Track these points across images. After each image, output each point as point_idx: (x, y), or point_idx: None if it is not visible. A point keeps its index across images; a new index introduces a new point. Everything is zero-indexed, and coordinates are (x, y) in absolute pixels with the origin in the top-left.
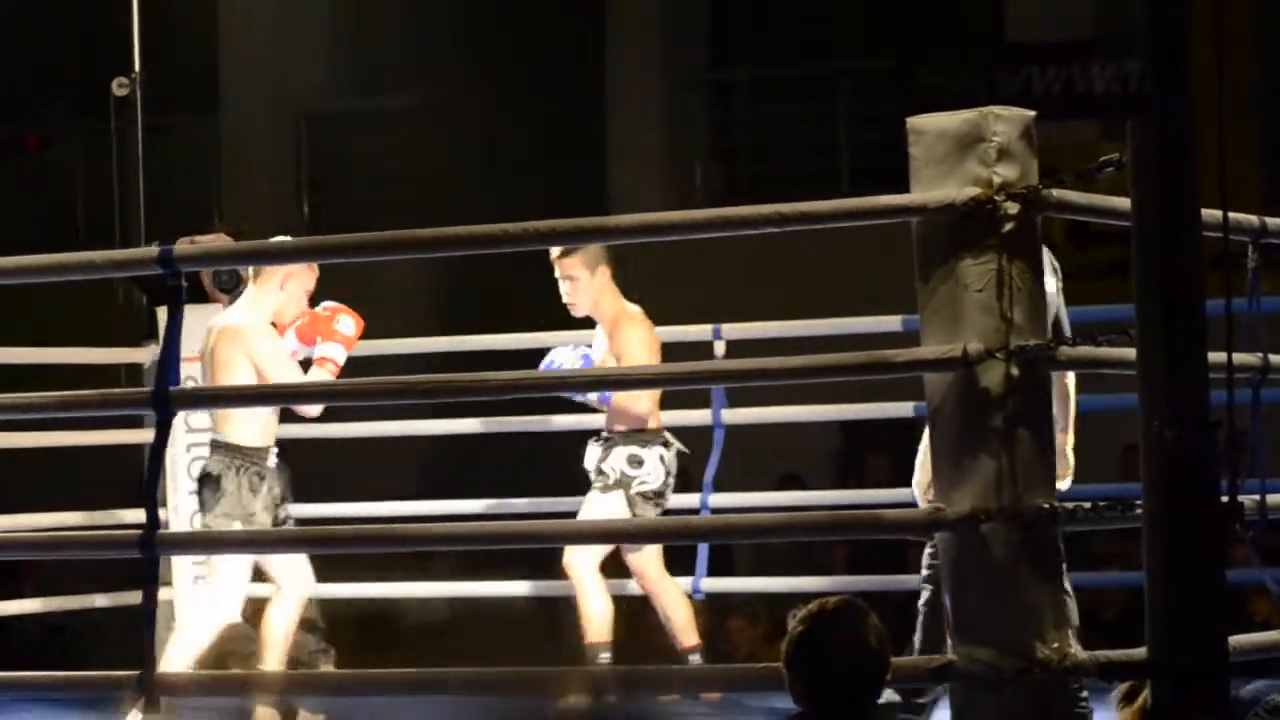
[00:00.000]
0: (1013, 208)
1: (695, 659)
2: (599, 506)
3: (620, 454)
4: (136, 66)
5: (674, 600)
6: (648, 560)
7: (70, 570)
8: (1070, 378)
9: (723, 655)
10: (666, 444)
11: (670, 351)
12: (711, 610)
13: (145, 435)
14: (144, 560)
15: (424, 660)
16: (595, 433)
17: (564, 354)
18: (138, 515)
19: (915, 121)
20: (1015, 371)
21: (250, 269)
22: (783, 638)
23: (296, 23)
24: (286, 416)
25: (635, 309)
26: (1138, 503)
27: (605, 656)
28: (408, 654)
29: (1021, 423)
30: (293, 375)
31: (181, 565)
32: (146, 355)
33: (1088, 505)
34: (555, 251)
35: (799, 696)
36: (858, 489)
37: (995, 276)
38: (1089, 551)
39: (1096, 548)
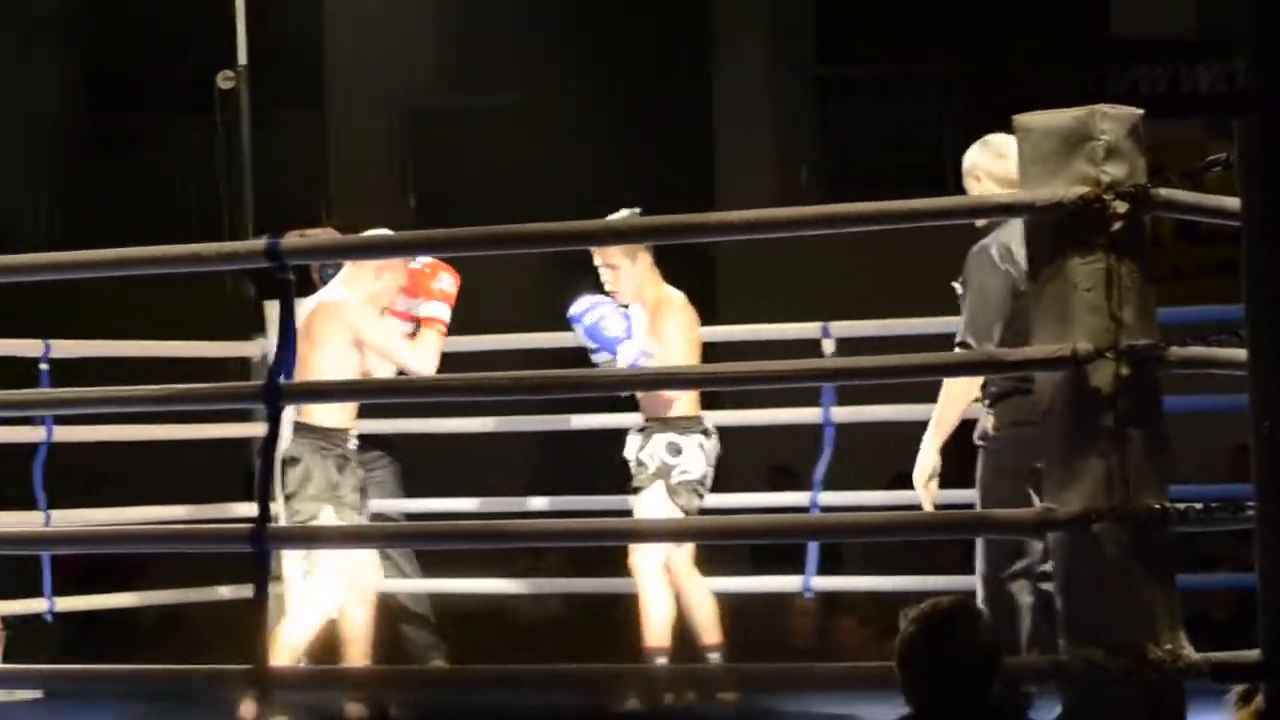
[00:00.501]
0: (1121, 206)
1: (715, 658)
2: (648, 505)
3: (659, 442)
4: (242, 60)
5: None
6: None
7: (182, 563)
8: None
9: (833, 656)
10: (706, 432)
11: (779, 349)
12: (822, 611)
13: (254, 430)
14: (254, 555)
15: (535, 657)
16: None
17: (600, 304)
18: (248, 509)
19: (1022, 119)
20: (1125, 371)
21: None
22: (893, 639)
23: (403, 18)
24: (390, 410)
25: (677, 295)
26: (1249, 504)
27: (662, 662)
28: (520, 650)
29: (1132, 422)
30: (400, 343)
31: (291, 560)
32: (255, 349)
33: (1199, 506)
34: None
35: (911, 696)
36: (965, 489)
37: (1104, 275)
38: (1199, 553)
39: (1207, 549)
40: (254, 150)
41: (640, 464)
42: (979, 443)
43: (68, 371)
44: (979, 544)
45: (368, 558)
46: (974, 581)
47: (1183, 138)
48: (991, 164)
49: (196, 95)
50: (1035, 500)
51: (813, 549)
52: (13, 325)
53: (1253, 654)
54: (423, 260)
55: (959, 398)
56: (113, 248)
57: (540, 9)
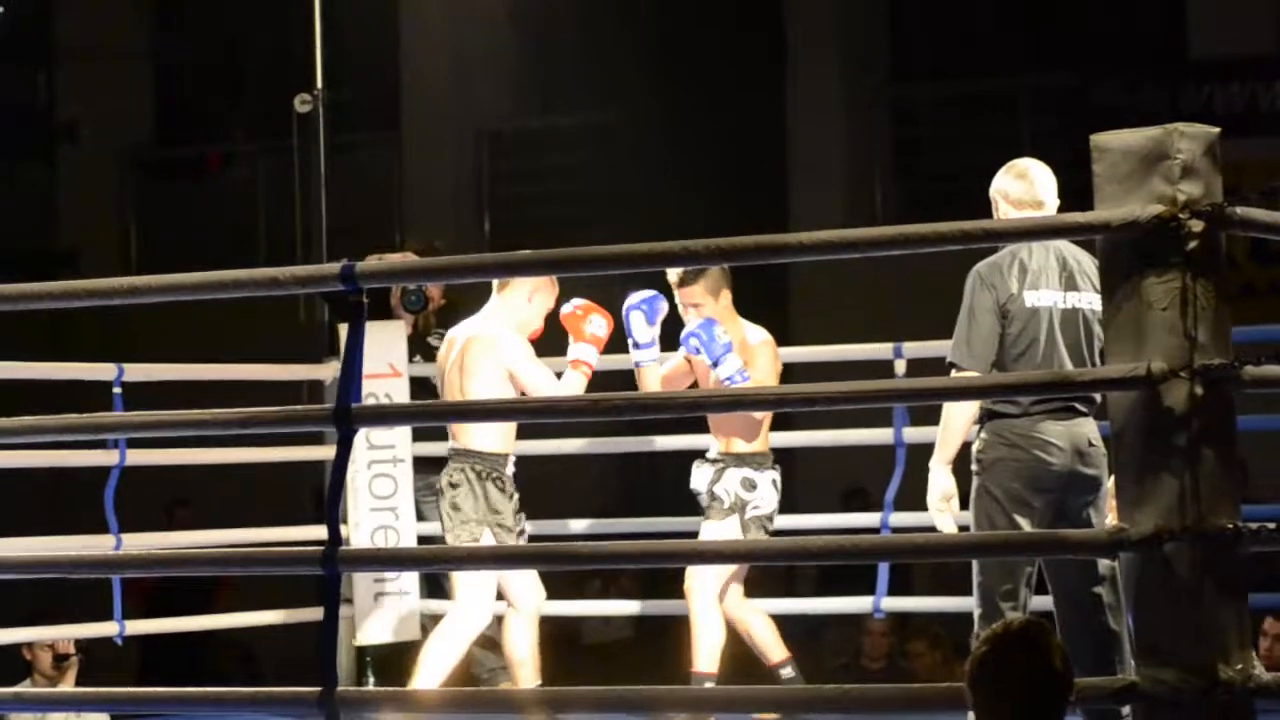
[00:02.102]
0: (1197, 225)
1: (788, 671)
2: (718, 534)
3: (734, 477)
4: (319, 84)
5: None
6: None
7: (259, 586)
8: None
9: (904, 677)
10: (775, 467)
11: (851, 370)
12: (892, 633)
13: (325, 452)
14: (326, 577)
15: (605, 679)
16: (700, 453)
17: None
18: (319, 532)
19: (1099, 139)
20: (1199, 390)
21: (495, 281)
22: (964, 661)
23: (478, 41)
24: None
25: (760, 333)
26: None
27: (709, 687)
28: (590, 672)
29: (1205, 442)
30: (548, 379)
31: (363, 582)
32: (328, 372)
33: (1272, 525)
34: (674, 279)
35: (982, 717)
36: None
37: (1179, 295)
38: (1273, 573)
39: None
40: (329, 174)
41: (714, 497)
42: (973, 467)
43: (141, 396)
44: (975, 563)
45: (530, 578)
46: (1045, 602)
47: (1261, 156)
48: (1009, 186)
49: (273, 119)
50: (1023, 525)
51: (883, 570)
52: (87, 349)
53: None
54: (576, 302)
55: (958, 417)
56: (188, 272)
57: (614, 32)
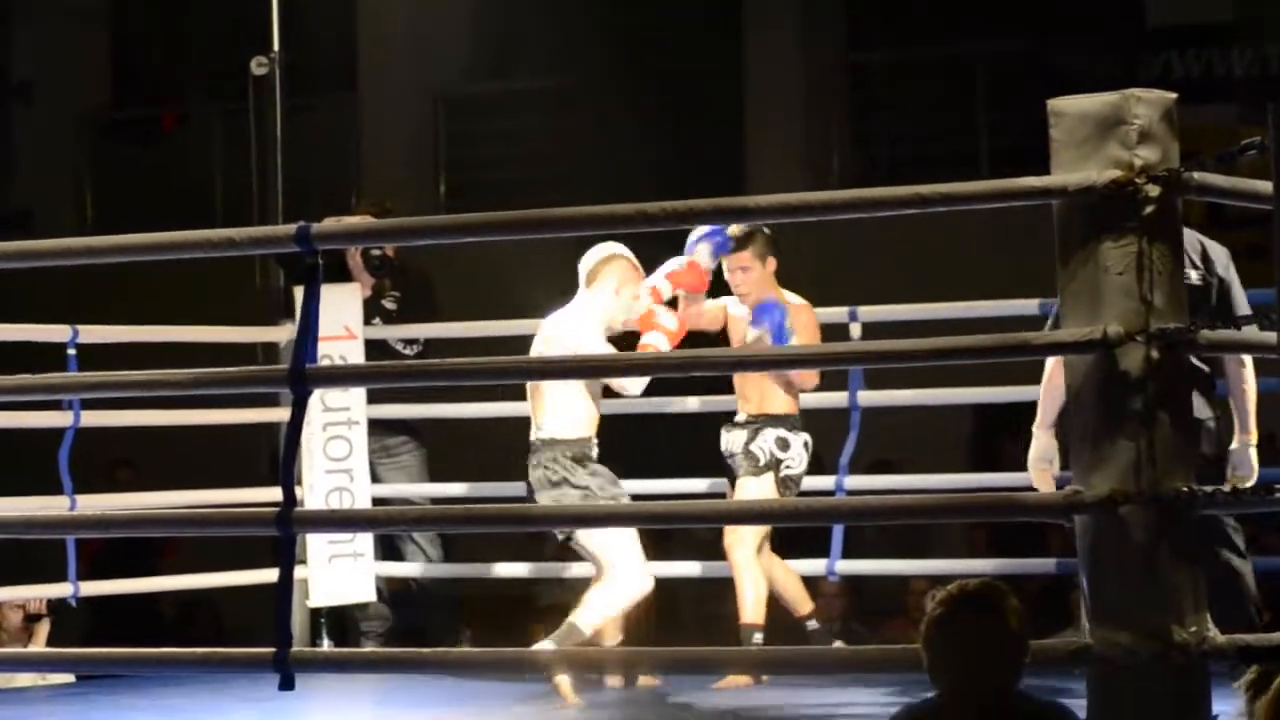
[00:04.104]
0: (1153, 190)
1: (759, 638)
2: (755, 491)
3: (769, 436)
4: (275, 46)
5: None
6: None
7: (204, 550)
8: (1249, 375)
9: (857, 640)
10: (806, 429)
11: None
12: (844, 595)
13: (281, 415)
14: (280, 538)
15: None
16: (728, 416)
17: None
18: (275, 494)
19: (1056, 104)
20: (1155, 354)
21: (584, 275)
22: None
23: (436, 4)
24: (415, 396)
25: (798, 298)
26: (1278, 487)
27: (759, 637)
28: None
29: (1161, 406)
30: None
31: (317, 543)
32: (283, 335)
33: (1227, 489)
34: None
35: (936, 678)
36: (989, 473)
37: (1135, 259)
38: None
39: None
40: (286, 136)
41: (749, 455)
42: None
43: (95, 357)
44: None
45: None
46: (1000, 565)
47: (1219, 122)
48: None
49: (229, 81)
50: None
51: (837, 532)
52: (41, 310)
53: (1278, 636)
54: (648, 301)
55: (1049, 381)
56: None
57: None
